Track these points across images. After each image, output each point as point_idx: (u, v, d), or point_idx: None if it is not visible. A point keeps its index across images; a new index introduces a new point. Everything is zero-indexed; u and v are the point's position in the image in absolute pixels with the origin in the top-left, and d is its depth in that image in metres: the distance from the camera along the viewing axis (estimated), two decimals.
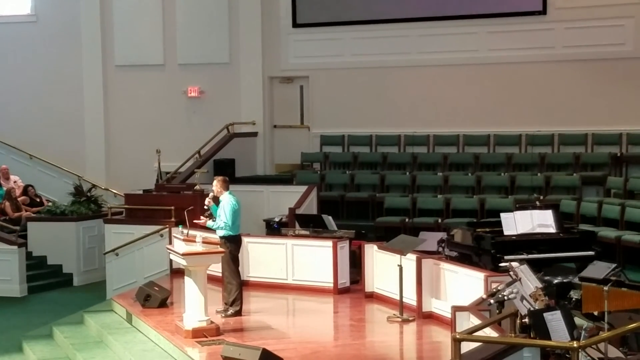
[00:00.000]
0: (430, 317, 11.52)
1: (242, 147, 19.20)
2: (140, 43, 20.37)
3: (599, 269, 9.88)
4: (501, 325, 8.17)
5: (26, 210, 18.89)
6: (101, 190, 19.84)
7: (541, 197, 15.18)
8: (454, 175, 17.50)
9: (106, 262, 16.54)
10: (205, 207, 11.98)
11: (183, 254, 10.90)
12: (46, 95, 21.03)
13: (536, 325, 7.55)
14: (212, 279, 12.03)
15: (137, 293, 12.92)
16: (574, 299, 9.70)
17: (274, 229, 15.73)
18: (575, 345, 6.85)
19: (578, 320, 8.40)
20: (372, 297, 12.85)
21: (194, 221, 11.80)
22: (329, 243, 13.44)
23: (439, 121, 18.39)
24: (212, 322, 11.02)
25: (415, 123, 18.50)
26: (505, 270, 9.10)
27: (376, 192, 17.62)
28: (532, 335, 7.67)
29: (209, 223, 11.80)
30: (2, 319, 14.92)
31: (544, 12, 17.70)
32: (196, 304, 10.91)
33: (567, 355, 7.47)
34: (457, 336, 7.21)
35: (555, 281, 10.62)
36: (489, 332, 7.92)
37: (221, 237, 11.68)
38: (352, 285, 13.48)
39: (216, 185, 11.89)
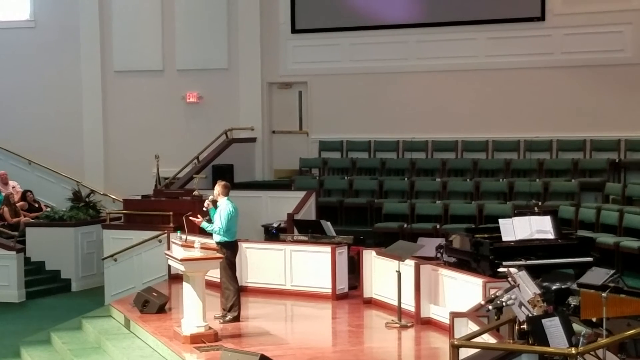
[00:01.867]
0: (429, 323, 11.51)
1: (241, 153, 19.21)
2: (139, 49, 20.39)
3: (598, 275, 9.88)
4: (499, 331, 8.16)
5: (24, 216, 18.87)
6: (100, 195, 19.84)
7: (539, 203, 15.19)
8: (453, 181, 17.50)
9: (104, 267, 16.54)
10: (205, 209, 11.99)
11: (181, 260, 10.89)
12: (45, 101, 21.05)
13: (534, 332, 7.54)
14: (210, 284, 12.04)
15: (135, 299, 12.90)
16: (572, 305, 9.71)
17: (272, 234, 15.73)
18: (573, 351, 6.84)
19: (576, 327, 8.38)
20: (371, 303, 12.84)
21: (190, 218, 11.80)
22: (327, 249, 13.43)
23: (438, 127, 18.40)
24: (210, 328, 11.01)
25: (414, 129, 18.51)
26: (504, 277, 9.09)
27: (375, 197, 17.63)
28: (530, 342, 7.66)
29: (204, 224, 11.82)
30: (0, 325, 14.90)
31: (542, 18, 17.72)
32: (194, 310, 10.90)
33: None
34: (456, 342, 7.20)
35: (554, 287, 10.62)
36: (487, 339, 7.92)
37: (217, 243, 11.68)
38: (351, 291, 13.46)
39: (216, 188, 11.93)
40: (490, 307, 8.30)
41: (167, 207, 15.87)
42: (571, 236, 12.61)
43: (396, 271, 11.60)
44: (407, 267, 11.68)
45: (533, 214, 12.38)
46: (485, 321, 8.65)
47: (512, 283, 8.28)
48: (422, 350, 10.85)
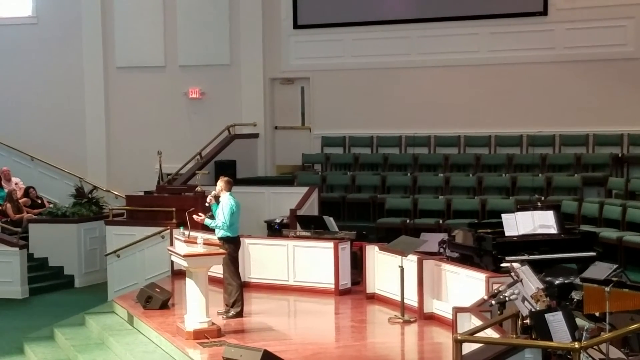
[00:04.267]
0: (432, 318, 11.52)
1: (243, 149, 19.21)
2: (141, 44, 20.39)
3: (601, 270, 9.87)
4: (502, 326, 8.17)
5: (27, 212, 18.89)
6: (102, 191, 19.84)
7: (542, 198, 15.17)
8: (455, 176, 17.50)
9: (107, 263, 16.56)
10: (207, 204, 12.01)
11: (184, 256, 10.90)
12: (47, 97, 21.06)
13: (537, 326, 7.54)
14: (213, 280, 12.03)
15: (138, 294, 12.92)
16: (575, 300, 9.69)
17: (275, 230, 15.73)
18: (576, 346, 6.85)
19: (579, 321, 8.39)
20: (374, 298, 12.85)
21: (192, 216, 11.81)
22: (330, 244, 13.43)
23: (440, 122, 18.39)
24: (213, 324, 11.03)
25: (416, 124, 18.51)
26: (507, 271, 9.11)
27: (377, 193, 17.62)
28: (533, 336, 7.66)
29: (207, 221, 11.84)
30: (3, 321, 14.92)
31: (544, 13, 17.71)
32: (197, 306, 10.91)
33: (568, 356, 7.46)
34: (459, 337, 7.21)
35: (557, 282, 10.60)
36: (491, 333, 7.92)
37: (220, 239, 11.68)
38: (353, 287, 13.48)
39: (219, 184, 11.93)
40: (493, 302, 8.31)
41: (170, 203, 15.88)
42: (574, 231, 12.60)
43: (399, 266, 11.60)
44: (410, 262, 11.68)
45: (536, 208, 12.36)
46: (488, 316, 8.65)
47: (515, 278, 8.28)
48: (425, 345, 10.85)
